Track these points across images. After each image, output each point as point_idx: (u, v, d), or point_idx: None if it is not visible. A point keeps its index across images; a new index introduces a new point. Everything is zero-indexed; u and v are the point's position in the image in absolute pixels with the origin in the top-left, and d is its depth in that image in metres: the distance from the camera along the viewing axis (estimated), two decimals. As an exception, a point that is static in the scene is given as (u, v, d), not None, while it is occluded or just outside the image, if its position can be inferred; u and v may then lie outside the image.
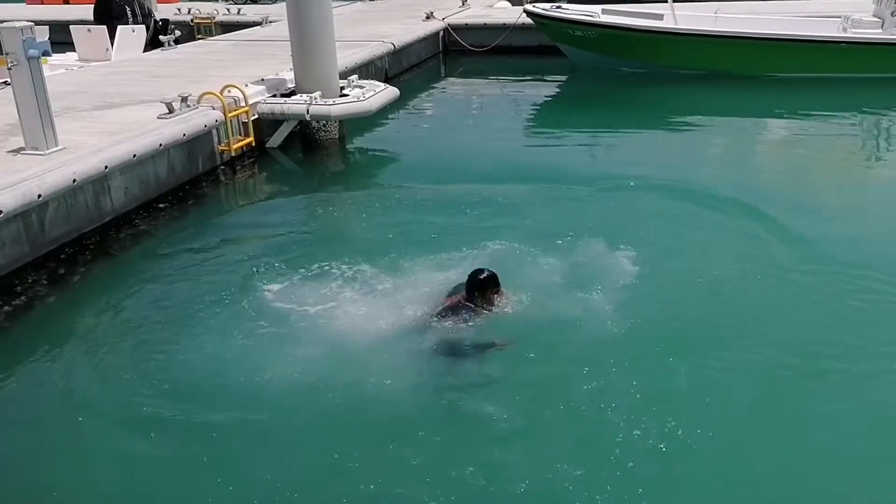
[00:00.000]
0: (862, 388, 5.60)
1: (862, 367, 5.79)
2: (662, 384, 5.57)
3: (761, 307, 6.55)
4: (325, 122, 11.13)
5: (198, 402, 5.51)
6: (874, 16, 15.44)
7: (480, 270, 6.18)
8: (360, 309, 6.37)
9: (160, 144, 9.07)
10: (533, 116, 14.40)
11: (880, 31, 15.08)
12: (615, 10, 16.38)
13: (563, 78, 16.88)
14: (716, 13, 16.38)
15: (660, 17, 15.78)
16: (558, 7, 16.58)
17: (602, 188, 9.55)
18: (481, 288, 6.10)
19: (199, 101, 10.14)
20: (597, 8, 16.35)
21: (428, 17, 19.18)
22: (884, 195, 9.67)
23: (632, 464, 4.80)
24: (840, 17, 15.81)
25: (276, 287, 6.84)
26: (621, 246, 7.36)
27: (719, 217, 8.45)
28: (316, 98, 10.85)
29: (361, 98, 11.09)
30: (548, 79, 16.92)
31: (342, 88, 11.44)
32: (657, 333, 6.12)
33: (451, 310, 6.12)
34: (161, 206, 9.21)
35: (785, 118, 13.35)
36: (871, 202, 9.30)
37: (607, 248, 7.30)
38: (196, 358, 5.99)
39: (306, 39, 10.98)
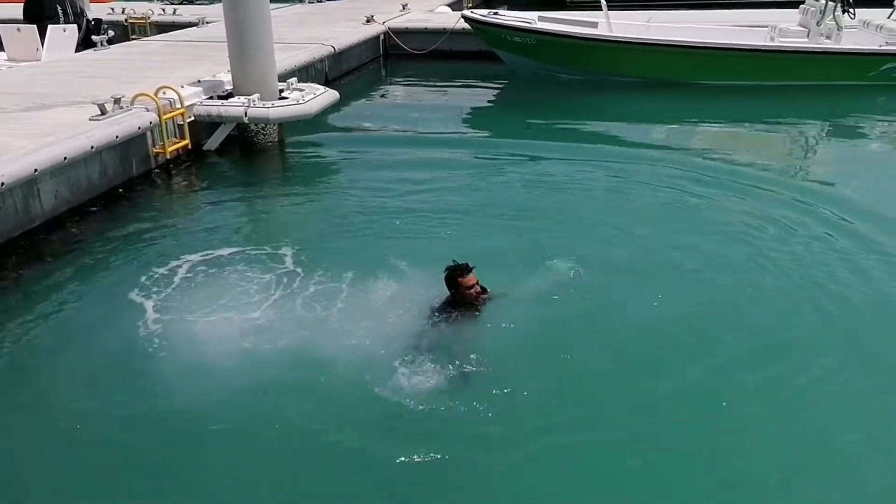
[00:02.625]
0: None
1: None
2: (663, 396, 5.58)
3: (729, 303, 6.79)
4: (263, 124, 11.04)
5: (141, 418, 5.36)
6: (800, 25, 16.05)
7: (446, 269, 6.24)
8: (304, 313, 6.39)
9: (92, 147, 8.88)
10: (472, 121, 14.54)
11: (806, 40, 15.66)
12: (551, 18, 16.66)
13: (502, 84, 17.07)
14: (648, 22, 16.78)
15: (594, 24, 16.09)
16: (496, 13, 16.77)
17: (541, 192, 9.82)
18: (449, 282, 6.17)
19: (132, 103, 9.95)
20: (533, 15, 16.59)
21: (368, 21, 19.17)
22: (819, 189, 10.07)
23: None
24: (768, 27, 16.38)
25: (215, 293, 6.77)
26: (563, 246, 7.66)
27: (661, 218, 8.79)
28: (254, 100, 10.77)
29: (301, 101, 11.05)
30: (487, 84, 17.09)
31: (281, 91, 11.38)
32: (633, 341, 6.20)
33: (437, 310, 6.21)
34: (93, 209, 9.03)
35: (715, 124, 13.78)
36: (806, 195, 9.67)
37: (555, 252, 7.52)
38: (133, 367, 5.86)
39: (244, 40, 10.89)
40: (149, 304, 6.68)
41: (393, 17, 20.17)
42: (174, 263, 7.46)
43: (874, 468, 4.91)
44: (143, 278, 7.18)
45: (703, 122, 13.85)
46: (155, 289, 6.95)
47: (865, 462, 4.96)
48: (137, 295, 6.87)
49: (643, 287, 6.95)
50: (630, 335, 6.24)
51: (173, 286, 6.99)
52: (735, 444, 5.09)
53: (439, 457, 4.88)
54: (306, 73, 14.47)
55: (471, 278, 6.11)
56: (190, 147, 10.66)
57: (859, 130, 13.68)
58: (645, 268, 7.39)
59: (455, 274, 6.11)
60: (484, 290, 6.30)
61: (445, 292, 6.27)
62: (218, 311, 6.48)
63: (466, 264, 6.13)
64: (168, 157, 10.29)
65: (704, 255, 7.66)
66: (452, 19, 18.71)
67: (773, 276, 7.23)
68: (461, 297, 6.15)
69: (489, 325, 6.17)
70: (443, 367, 5.60)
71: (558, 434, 5.14)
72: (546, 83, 16.35)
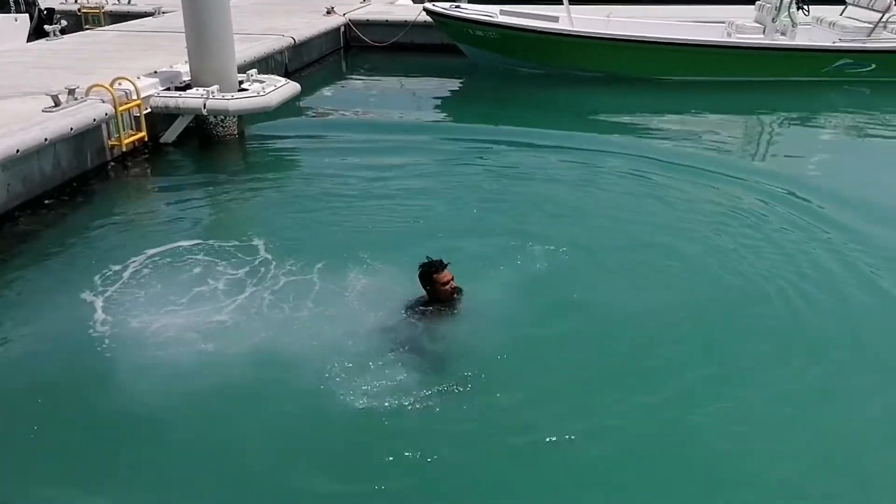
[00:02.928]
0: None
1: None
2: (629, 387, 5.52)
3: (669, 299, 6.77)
4: (222, 117, 10.87)
5: (92, 424, 5.19)
6: (756, 21, 16.30)
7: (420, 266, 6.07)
8: (270, 312, 6.25)
9: (46, 139, 8.66)
10: (434, 114, 14.52)
11: (762, 36, 15.92)
12: (513, 11, 16.67)
13: (464, 77, 17.05)
14: (608, 16, 16.89)
15: (555, 19, 16.15)
16: (457, 6, 16.73)
17: (508, 183, 9.88)
18: (423, 279, 6.01)
19: (87, 94, 9.74)
20: (495, 8, 16.59)
21: (328, 12, 19.02)
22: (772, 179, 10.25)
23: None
24: (725, 23, 16.61)
25: (173, 290, 6.60)
26: (535, 237, 7.69)
27: (633, 208, 8.90)
28: (213, 92, 10.60)
29: (261, 93, 10.91)
30: (449, 77, 17.07)
31: (241, 82, 11.22)
32: (615, 336, 6.15)
33: (412, 308, 6.07)
34: (47, 203, 8.82)
35: (675, 118, 13.91)
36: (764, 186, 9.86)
37: (528, 243, 7.56)
38: (85, 372, 5.67)
39: (203, 30, 10.70)
40: (104, 303, 6.48)
41: (353, 9, 20.04)
42: (131, 259, 7.28)
43: (871, 467, 4.90)
44: (98, 275, 6.97)
45: (664, 116, 13.99)
46: (110, 286, 6.77)
47: (863, 462, 4.95)
48: (91, 293, 6.66)
49: (620, 278, 7.01)
50: (612, 330, 6.18)
51: (129, 283, 6.81)
52: (729, 441, 5.01)
53: (416, 459, 4.76)
54: (266, 64, 14.30)
55: (446, 274, 5.96)
56: (146, 139, 10.48)
57: (816, 124, 14.00)
58: (621, 258, 7.45)
59: (430, 270, 5.96)
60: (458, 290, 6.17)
61: (417, 287, 6.12)
62: (177, 310, 6.32)
63: (441, 260, 5.98)
64: (124, 149, 10.10)
65: (684, 246, 7.74)
66: (414, 12, 18.61)
67: (754, 264, 7.33)
68: (436, 294, 6.00)
69: (465, 322, 6.06)
70: (418, 367, 5.50)
71: (542, 433, 5.00)
72: (507, 77, 16.37)
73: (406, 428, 5.01)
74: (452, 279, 6.01)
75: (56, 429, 5.15)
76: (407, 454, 4.80)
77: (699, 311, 6.49)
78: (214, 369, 5.59)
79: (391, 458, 4.77)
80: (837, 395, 5.54)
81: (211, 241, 7.69)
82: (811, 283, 6.96)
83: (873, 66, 15.75)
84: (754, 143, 12.90)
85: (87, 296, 6.62)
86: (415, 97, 15.81)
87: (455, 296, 6.09)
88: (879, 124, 13.81)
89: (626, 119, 13.73)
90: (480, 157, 10.89)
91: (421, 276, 6.03)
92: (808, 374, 5.70)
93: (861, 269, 7.28)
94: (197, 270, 7.02)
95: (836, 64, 15.75)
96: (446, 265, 5.97)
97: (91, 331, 6.11)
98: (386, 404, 5.15)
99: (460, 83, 16.92)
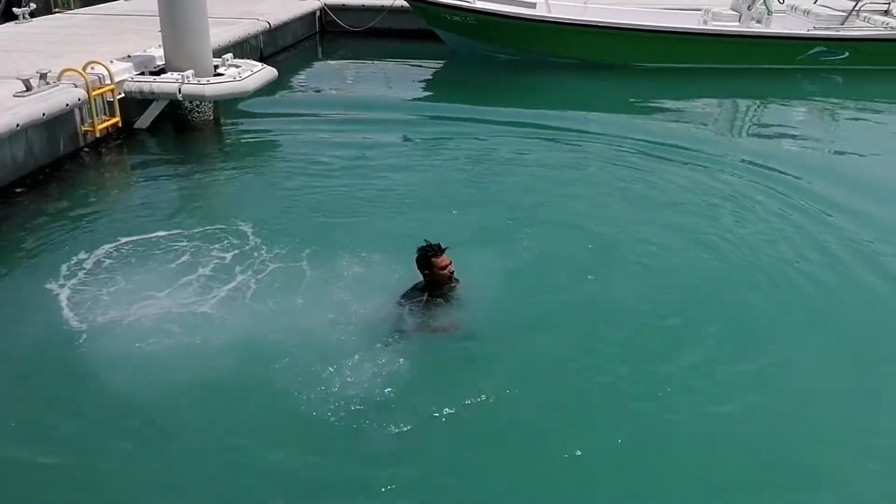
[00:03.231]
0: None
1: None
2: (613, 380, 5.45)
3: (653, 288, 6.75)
4: (198, 102, 10.71)
5: (61, 424, 5.02)
6: (732, 9, 16.39)
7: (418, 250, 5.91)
8: (254, 303, 6.16)
9: (17, 124, 8.47)
10: (412, 100, 14.40)
11: (738, 23, 16.01)
12: (490, -4, 16.59)
13: (441, 63, 16.95)
14: (585, 3, 16.87)
15: (533, 5, 16.10)
16: (435, -9, 16.59)
17: (490, 168, 9.87)
18: (421, 263, 5.87)
19: (59, 79, 9.54)
20: (472, -7, 16.48)
21: (304, -4, 18.80)
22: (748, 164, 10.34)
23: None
24: (701, 10, 16.68)
25: (150, 280, 6.48)
26: (525, 224, 7.73)
27: (618, 194, 8.92)
28: (188, 77, 10.43)
29: (238, 78, 10.75)
30: (426, 63, 16.96)
31: (216, 67, 11.06)
32: (611, 325, 6.07)
33: (406, 297, 5.93)
34: (18, 191, 8.64)
35: (653, 104, 13.97)
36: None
37: (508, 225, 7.62)
38: (57, 368, 5.52)
39: (177, 13, 10.50)
40: (75, 294, 6.32)
41: (329, -7, 19.80)
42: (106, 247, 7.14)
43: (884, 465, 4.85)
44: (70, 264, 6.80)
45: (641, 102, 14.02)
46: (83, 276, 6.62)
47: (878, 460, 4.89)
48: (63, 284, 6.48)
49: (616, 265, 6.98)
50: (613, 320, 6.11)
51: (103, 273, 6.67)
52: (737, 441, 4.92)
53: (406, 457, 4.68)
54: (241, 49, 14.09)
55: (444, 258, 5.79)
56: (120, 125, 10.29)
57: (791, 110, 14.10)
58: (613, 242, 7.43)
59: (428, 254, 5.80)
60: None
61: (409, 274, 6.00)
62: (155, 301, 6.18)
63: (439, 244, 5.82)
64: (98, 135, 9.92)
65: (680, 231, 7.74)
66: (389, -4, 18.47)
67: (753, 246, 7.37)
68: (434, 279, 5.85)
69: (460, 314, 5.92)
70: (410, 360, 5.39)
71: (541, 430, 4.91)
72: (485, 63, 16.29)
73: (397, 423, 4.89)
74: (451, 263, 5.85)
75: (33, 425, 5.04)
76: (397, 452, 4.72)
77: (705, 305, 6.36)
78: (197, 362, 5.47)
79: (381, 456, 4.69)
80: (853, 391, 5.44)
81: (189, 229, 7.58)
82: (814, 267, 6.98)
83: (847, 53, 15.91)
84: (731, 129, 12.99)
85: (58, 287, 6.44)
86: (392, 83, 15.70)
87: (453, 281, 5.96)
88: (853, 111, 13.99)
89: (605, 105, 13.69)
90: (461, 143, 10.84)
91: (419, 261, 5.87)
92: (820, 371, 5.60)
93: (867, 253, 7.29)
94: (173, 258, 6.91)
95: (811, 52, 15.89)
96: (445, 249, 5.82)
97: (63, 322, 5.95)
98: (376, 398, 5.05)
99: (437, 69, 16.81)
